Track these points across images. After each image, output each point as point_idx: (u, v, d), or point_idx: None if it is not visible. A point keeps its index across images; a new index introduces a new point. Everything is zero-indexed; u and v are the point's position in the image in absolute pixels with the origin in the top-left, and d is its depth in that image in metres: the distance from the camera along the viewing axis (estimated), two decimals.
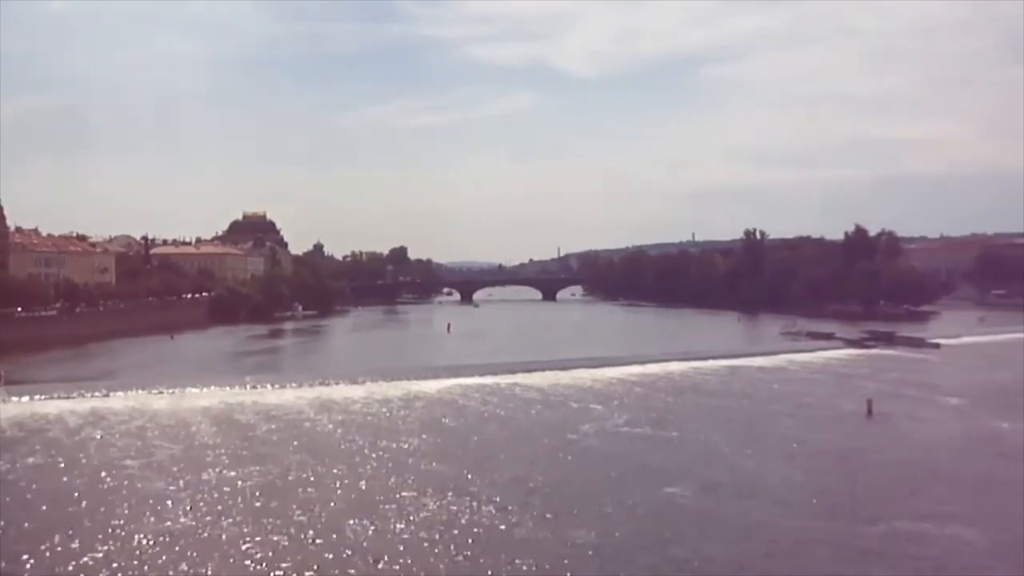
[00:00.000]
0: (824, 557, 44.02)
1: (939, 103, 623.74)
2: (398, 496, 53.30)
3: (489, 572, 41.26)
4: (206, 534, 46.20)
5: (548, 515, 49.66)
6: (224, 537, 45.62)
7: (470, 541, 45.15)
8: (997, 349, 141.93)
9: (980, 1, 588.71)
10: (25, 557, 42.30)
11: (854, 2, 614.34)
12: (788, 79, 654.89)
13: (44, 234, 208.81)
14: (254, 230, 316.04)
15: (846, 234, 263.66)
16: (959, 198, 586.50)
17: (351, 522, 48.04)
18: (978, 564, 43.48)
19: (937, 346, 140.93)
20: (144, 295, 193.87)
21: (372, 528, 47.18)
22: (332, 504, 51.93)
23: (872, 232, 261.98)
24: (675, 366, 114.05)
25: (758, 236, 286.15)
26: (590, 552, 44.17)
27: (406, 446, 67.70)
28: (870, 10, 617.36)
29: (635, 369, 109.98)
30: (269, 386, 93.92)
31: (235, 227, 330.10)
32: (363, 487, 55.81)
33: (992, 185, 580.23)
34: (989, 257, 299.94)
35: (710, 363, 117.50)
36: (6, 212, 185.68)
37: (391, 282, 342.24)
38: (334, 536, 45.71)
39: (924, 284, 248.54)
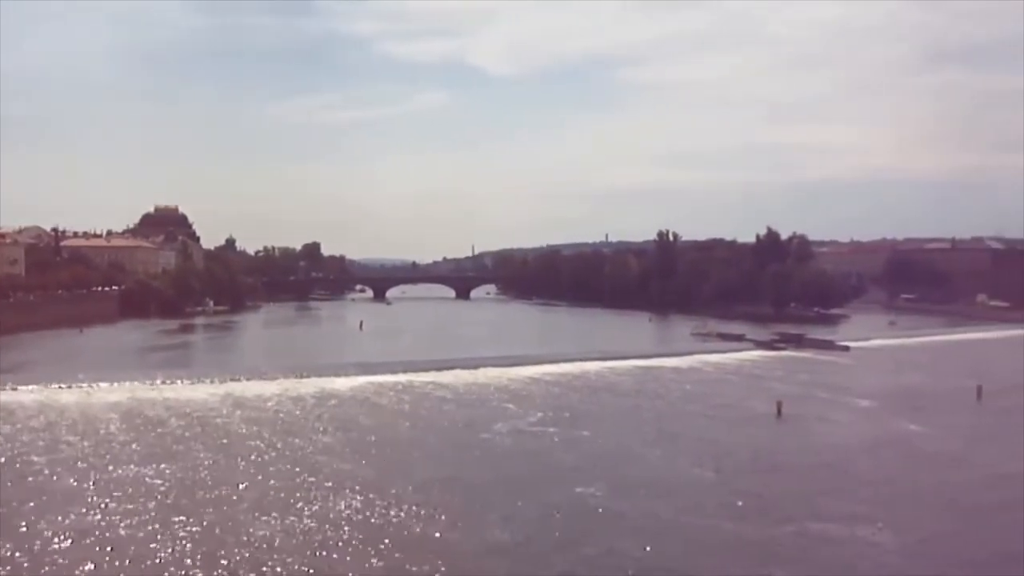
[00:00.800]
0: (736, 558, 44.45)
1: (851, 109, 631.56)
2: (311, 495, 52.86)
3: (403, 573, 41.08)
4: (115, 533, 45.37)
5: (462, 515, 49.56)
6: (133, 536, 44.85)
7: (384, 541, 44.86)
8: (906, 352, 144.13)
9: (894, 9, 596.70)
10: None
11: (767, 7, 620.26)
12: (702, 82, 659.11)
13: None
14: (166, 223, 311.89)
15: (758, 237, 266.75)
16: (870, 203, 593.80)
17: (263, 522, 47.49)
18: (888, 565, 44.13)
19: (846, 349, 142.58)
20: (54, 288, 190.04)
21: (284, 528, 46.67)
22: (244, 503, 51.31)
23: (783, 235, 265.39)
24: (588, 365, 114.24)
25: (671, 238, 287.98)
26: (504, 552, 44.24)
27: (319, 444, 67.24)
28: (783, 16, 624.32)
29: (548, 368, 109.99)
30: (180, 382, 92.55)
31: (147, 220, 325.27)
32: (275, 486, 55.15)
33: (902, 191, 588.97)
34: (898, 262, 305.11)
35: (623, 363, 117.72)
36: None
37: (304, 278, 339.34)
38: (245, 536, 45.13)
39: (834, 287, 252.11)
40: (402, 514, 49.46)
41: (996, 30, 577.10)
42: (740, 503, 53.85)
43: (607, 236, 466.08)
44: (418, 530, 46.98)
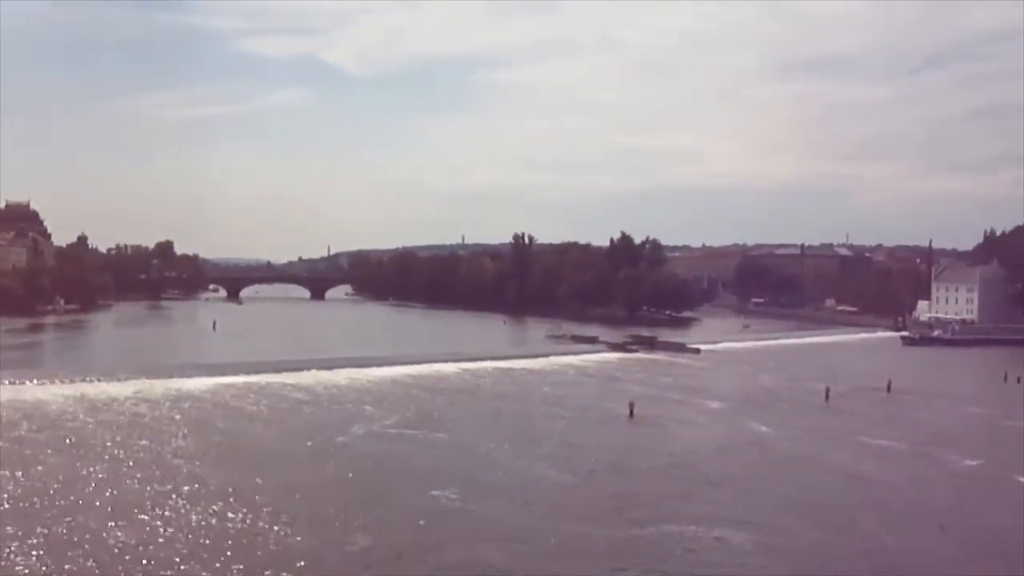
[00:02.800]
0: (594, 560, 44.92)
1: (704, 116, 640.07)
2: (166, 502, 51.97)
3: None
4: None
5: (322, 521, 49.29)
6: None
7: (242, 549, 44.39)
8: (756, 355, 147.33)
9: (744, 19, 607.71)
10: None
11: (621, 14, 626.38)
12: (557, 86, 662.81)
13: None
14: (16, 219, 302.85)
15: (612, 241, 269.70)
16: (722, 209, 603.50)
17: (116, 529, 46.54)
18: (746, 565, 45.13)
19: (697, 351, 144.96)
20: None
21: (139, 536, 45.76)
22: (96, 510, 50.16)
23: (637, 240, 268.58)
24: (445, 367, 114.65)
25: (526, 240, 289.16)
26: (365, 559, 44.17)
27: (174, 448, 66.12)
28: (637, 23, 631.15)
29: (405, 369, 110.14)
30: (28, 382, 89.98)
31: None
32: (129, 491, 54.16)
33: (752, 197, 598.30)
34: (749, 267, 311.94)
35: (479, 364, 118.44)
36: None
37: (156, 277, 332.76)
38: (98, 544, 44.17)
39: (686, 291, 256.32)
40: (261, 521, 48.88)
41: (844, 41, 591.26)
42: (597, 505, 54.48)
43: (463, 238, 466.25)
44: (278, 537, 46.46)
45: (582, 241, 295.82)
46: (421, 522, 49.82)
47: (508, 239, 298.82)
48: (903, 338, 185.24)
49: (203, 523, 48.25)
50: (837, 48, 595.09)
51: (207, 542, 45.13)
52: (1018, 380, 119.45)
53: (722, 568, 44.61)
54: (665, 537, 48.64)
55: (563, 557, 45.32)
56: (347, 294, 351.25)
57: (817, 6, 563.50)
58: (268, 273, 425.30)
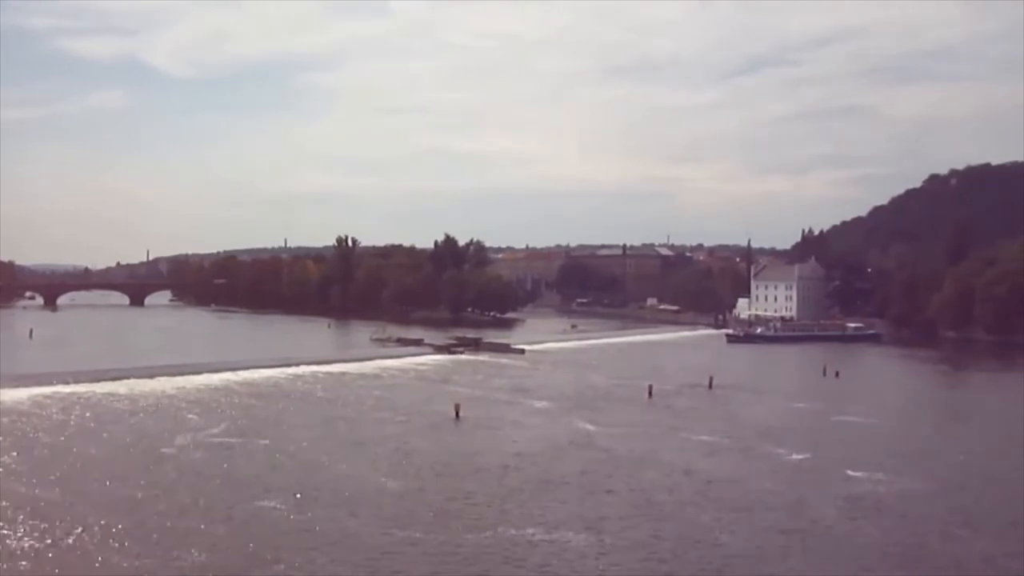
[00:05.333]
0: (429, 567, 44.39)
1: (528, 119, 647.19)
2: None
3: None
4: None
5: (150, 537, 47.66)
6: None
7: (67, 570, 42.69)
8: (580, 355, 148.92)
9: (570, 22, 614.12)
10: None
11: (447, 17, 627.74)
12: (382, 88, 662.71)
13: None
14: None
15: (436, 243, 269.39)
16: (546, 211, 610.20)
17: None
18: (584, 566, 44.94)
19: (522, 352, 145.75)
20: None
21: None
22: None
23: (461, 242, 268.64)
24: (270, 372, 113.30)
25: (350, 243, 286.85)
26: (193, 574, 42.90)
27: None
28: (463, 25, 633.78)
29: (229, 376, 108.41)
30: None
31: None
32: None
33: (577, 199, 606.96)
34: (571, 267, 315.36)
35: (304, 369, 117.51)
36: None
37: None
38: None
39: (510, 292, 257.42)
40: (86, 539, 47.05)
41: (668, 45, 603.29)
42: (429, 511, 53.98)
43: (286, 241, 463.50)
44: (106, 556, 44.71)
45: (407, 244, 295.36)
46: (251, 534, 48.68)
47: (331, 242, 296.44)
48: (727, 336, 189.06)
49: (24, 545, 46.19)
50: (661, 52, 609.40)
51: (28, 564, 43.39)
52: (836, 374, 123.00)
53: (560, 571, 44.31)
54: (500, 540, 48.34)
55: (395, 565, 44.63)
56: (168, 300, 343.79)
57: (640, 10, 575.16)
58: (86, 279, 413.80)
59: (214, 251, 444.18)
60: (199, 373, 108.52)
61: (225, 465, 65.21)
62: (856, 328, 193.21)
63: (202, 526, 49.84)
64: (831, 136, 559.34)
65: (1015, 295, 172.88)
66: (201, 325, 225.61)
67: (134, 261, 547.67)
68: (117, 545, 46.05)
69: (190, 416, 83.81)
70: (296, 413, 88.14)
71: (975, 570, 45.93)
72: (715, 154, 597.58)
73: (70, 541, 46.68)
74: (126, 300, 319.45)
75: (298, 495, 56.33)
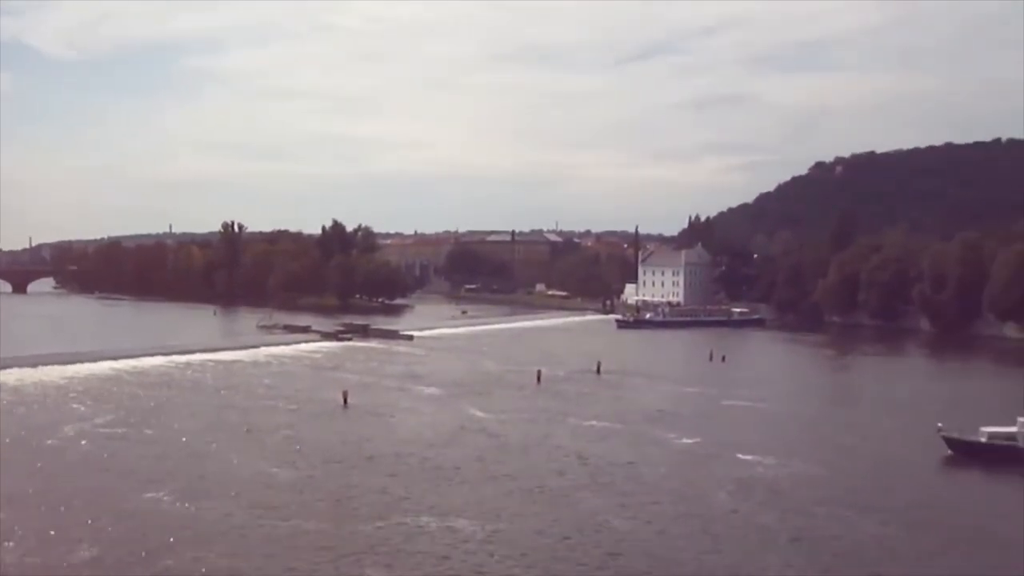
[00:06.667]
0: (322, 559, 43.71)
1: (419, 104, 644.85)
2: None
3: None
4: None
5: (37, 533, 46.43)
6: None
7: None
8: (469, 340, 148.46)
9: (460, 8, 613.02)
10: None
11: (336, 1, 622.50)
12: (268, 72, 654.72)
13: None
14: None
15: (324, 228, 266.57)
16: (435, 197, 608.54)
17: None
18: (477, 553, 44.70)
19: (411, 338, 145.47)
20: None
21: None
22: None
23: (349, 227, 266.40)
24: (156, 360, 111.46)
25: (236, 229, 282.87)
26: (82, 570, 41.91)
27: None
28: (352, 9, 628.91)
29: (116, 364, 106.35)
30: None
31: None
32: None
33: (467, 185, 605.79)
34: (461, 253, 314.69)
35: (191, 357, 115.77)
36: None
37: None
38: None
39: (398, 278, 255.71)
40: None
41: (560, 31, 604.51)
42: (321, 501, 53.43)
43: (171, 227, 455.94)
44: None
45: (294, 229, 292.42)
46: (140, 527, 47.70)
47: (217, 228, 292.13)
48: (617, 321, 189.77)
49: None
50: (553, 37, 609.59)
51: None
52: (723, 359, 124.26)
53: (456, 559, 43.88)
54: (395, 531, 47.81)
55: (287, 557, 43.88)
56: (52, 287, 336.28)
57: None
58: None
59: (99, 237, 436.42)
60: (85, 362, 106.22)
61: (113, 456, 63.87)
62: (741, 313, 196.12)
63: (89, 520, 48.72)
64: (720, 124, 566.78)
65: (898, 281, 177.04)
66: (86, 313, 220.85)
67: (16, 248, 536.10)
68: (1, 542, 44.77)
69: (77, 406, 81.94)
70: (184, 402, 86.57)
71: (866, 552, 46.33)
72: (605, 141, 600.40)
73: None
74: (8, 288, 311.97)
75: (187, 486, 55.35)
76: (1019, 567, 44.69)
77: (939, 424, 68.97)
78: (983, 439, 67.04)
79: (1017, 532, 49.30)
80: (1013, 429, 66.56)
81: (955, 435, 67.92)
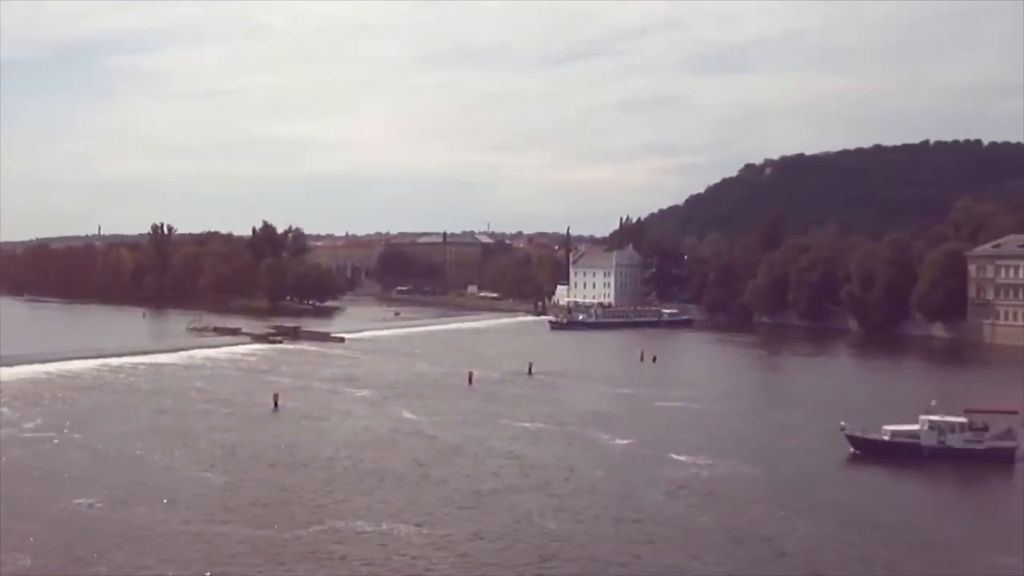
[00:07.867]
0: (256, 564, 43.49)
1: (349, 105, 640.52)
2: None
3: None
4: None
5: None
6: None
7: None
8: (401, 343, 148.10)
9: (390, 8, 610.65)
10: None
11: (265, 0, 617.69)
12: (198, 72, 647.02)
13: None
14: None
15: (254, 230, 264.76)
16: (366, 198, 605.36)
17: None
18: (415, 557, 44.61)
19: (342, 340, 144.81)
20: None
21: None
22: None
23: (280, 229, 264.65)
24: (84, 364, 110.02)
25: (166, 231, 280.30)
26: None
27: None
28: (282, 8, 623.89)
29: (43, 368, 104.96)
30: None
31: None
32: None
33: (396, 186, 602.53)
34: (392, 255, 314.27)
35: (120, 360, 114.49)
36: None
37: None
38: None
39: (329, 280, 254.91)
40: None
41: (492, 32, 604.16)
42: (255, 505, 53.13)
43: (100, 229, 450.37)
44: None
45: (224, 231, 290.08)
46: (71, 533, 47.40)
47: (146, 229, 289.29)
48: (551, 322, 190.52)
49: None
50: (484, 38, 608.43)
51: None
52: (654, 359, 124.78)
53: (393, 564, 43.85)
54: (330, 535, 47.69)
55: (221, 561, 43.61)
56: None
57: None
58: None
59: (26, 239, 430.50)
60: (13, 365, 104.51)
61: (40, 461, 63.09)
62: (671, 314, 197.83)
63: (19, 526, 48.05)
64: (652, 125, 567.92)
65: (827, 281, 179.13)
66: (14, 315, 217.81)
67: None
68: None
69: (4, 410, 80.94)
70: (115, 406, 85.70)
71: (793, 551, 46.80)
72: (537, 142, 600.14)
73: None
74: None
75: (119, 492, 54.84)
76: (948, 566, 45.45)
77: (842, 423, 70.67)
78: (886, 437, 68.76)
79: (939, 530, 50.80)
80: (915, 427, 68.31)
81: (858, 433, 69.65)
